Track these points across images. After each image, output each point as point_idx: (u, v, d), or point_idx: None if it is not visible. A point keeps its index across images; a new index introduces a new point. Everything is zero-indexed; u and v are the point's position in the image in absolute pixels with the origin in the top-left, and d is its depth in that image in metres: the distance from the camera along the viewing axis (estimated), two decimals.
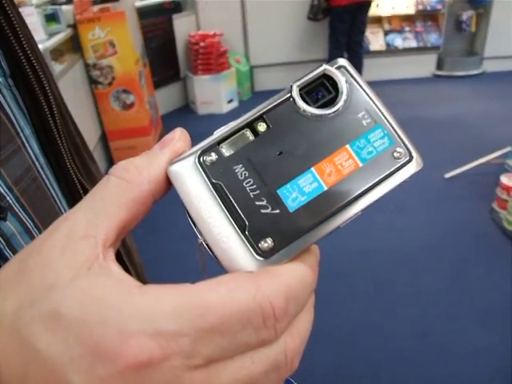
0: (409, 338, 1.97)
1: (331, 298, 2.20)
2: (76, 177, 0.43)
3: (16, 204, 0.36)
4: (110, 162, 3.54)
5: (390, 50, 5.23)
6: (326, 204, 0.26)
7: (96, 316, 0.21)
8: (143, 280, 0.61)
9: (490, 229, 2.63)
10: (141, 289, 0.22)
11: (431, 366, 1.84)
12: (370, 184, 0.27)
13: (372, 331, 2.02)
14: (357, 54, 4.78)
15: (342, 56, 4.74)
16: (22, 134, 0.38)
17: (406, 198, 2.97)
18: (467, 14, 5.17)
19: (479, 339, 1.94)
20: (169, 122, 4.23)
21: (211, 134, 0.28)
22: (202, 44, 4.31)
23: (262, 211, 0.26)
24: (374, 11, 4.95)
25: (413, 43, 5.23)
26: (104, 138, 3.48)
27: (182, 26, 4.50)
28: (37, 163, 0.40)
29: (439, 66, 5.38)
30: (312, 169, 0.27)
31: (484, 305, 2.11)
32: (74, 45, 3.23)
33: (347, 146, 0.27)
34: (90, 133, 3.15)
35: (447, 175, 3.15)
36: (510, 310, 2.04)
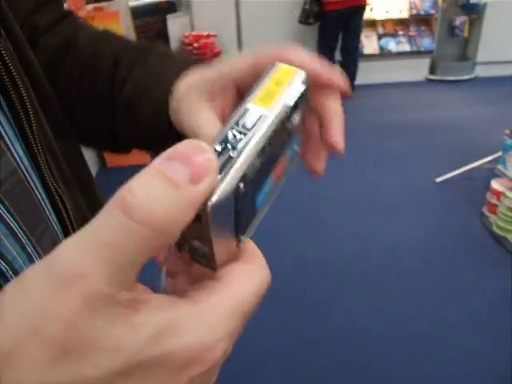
0: (397, 341, 1.97)
1: (319, 300, 2.21)
2: (52, 184, 0.43)
3: (0, 206, 0.36)
4: (103, 163, 3.54)
5: (384, 54, 5.26)
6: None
7: None
8: None
9: (480, 233, 2.65)
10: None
11: (419, 370, 1.85)
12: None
13: (360, 334, 2.03)
14: (352, 59, 4.82)
15: (333, 59, 4.77)
16: (6, 137, 0.38)
17: (397, 201, 2.99)
18: (460, 20, 5.20)
19: (467, 342, 1.95)
20: None
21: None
22: (195, 45, 4.32)
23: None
24: (368, 15, 4.97)
25: (406, 47, 5.26)
26: None
27: (176, 27, 4.50)
28: (22, 166, 0.40)
29: (432, 70, 5.42)
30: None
31: (472, 308, 2.13)
32: None
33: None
34: None
35: (438, 179, 3.16)
36: (498, 314, 2.06)
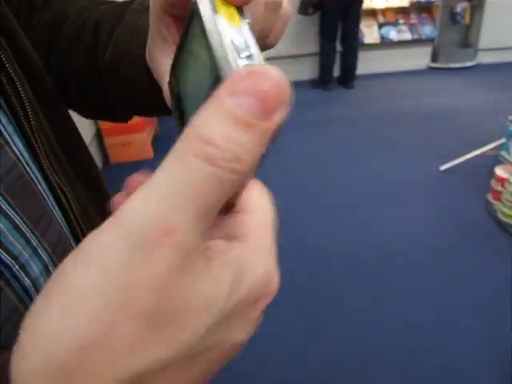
0: (402, 330, 1.98)
1: (324, 286, 2.21)
2: (53, 177, 0.44)
3: (2, 200, 0.36)
4: (106, 159, 3.54)
5: (385, 43, 5.24)
6: None
7: None
8: None
9: (485, 220, 2.64)
10: None
11: (425, 359, 1.85)
12: None
13: (363, 323, 2.03)
14: (352, 48, 4.80)
15: (334, 50, 4.76)
16: (4, 132, 0.38)
17: (402, 189, 2.98)
18: (461, 6, 5.17)
19: (473, 329, 1.95)
20: (163, 118, 4.22)
21: None
22: None
23: None
24: (368, 4, 4.97)
25: (407, 35, 5.24)
26: (99, 135, 3.47)
27: None
28: (22, 160, 0.40)
29: (434, 58, 5.39)
30: None
31: (479, 294, 2.13)
32: None
33: None
34: (84, 130, 3.15)
35: (442, 167, 3.15)
36: (504, 300, 2.06)
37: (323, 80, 4.92)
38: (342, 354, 1.90)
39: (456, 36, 5.45)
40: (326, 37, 4.72)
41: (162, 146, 3.53)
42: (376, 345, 1.93)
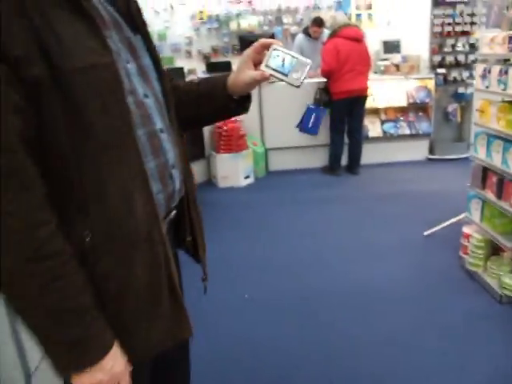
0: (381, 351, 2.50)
1: (321, 323, 2.76)
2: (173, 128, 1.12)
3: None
4: None
5: (387, 137, 6.02)
6: None
7: None
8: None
9: (457, 272, 3.20)
10: None
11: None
12: None
13: (352, 346, 2.55)
14: (356, 140, 5.58)
15: (342, 141, 5.55)
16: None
17: (390, 250, 3.57)
18: (452, 107, 6.00)
19: (443, 351, 2.46)
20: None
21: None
22: (225, 128, 5.15)
23: None
24: (371, 104, 5.81)
25: (406, 131, 6.02)
26: None
27: None
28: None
29: (431, 150, 6.13)
30: None
31: (447, 323, 2.64)
32: None
33: None
34: None
35: (426, 233, 3.76)
36: (467, 328, 2.58)
37: (332, 167, 5.65)
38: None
39: (450, 132, 6.23)
40: (335, 130, 5.53)
41: None
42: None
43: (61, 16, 0.84)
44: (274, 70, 1.08)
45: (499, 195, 2.77)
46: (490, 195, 2.87)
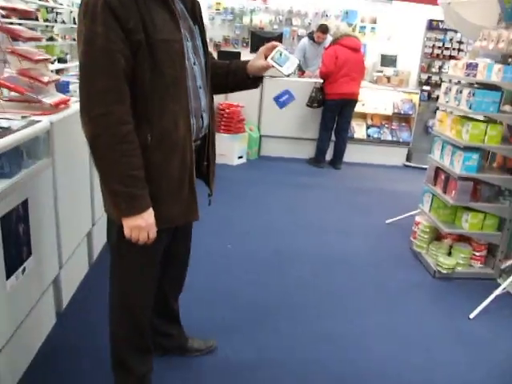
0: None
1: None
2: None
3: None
4: None
5: (370, 140, 6.67)
6: None
7: None
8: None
9: (406, 251, 3.84)
10: None
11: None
12: None
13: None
14: (342, 138, 6.22)
15: (329, 138, 6.18)
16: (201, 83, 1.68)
17: (355, 232, 4.20)
18: (432, 121, 6.64)
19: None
20: None
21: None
22: (227, 111, 5.76)
23: None
24: (360, 108, 6.45)
25: (388, 137, 6.67)
26: None
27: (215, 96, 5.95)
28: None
29: (408, 158, 6.79)
30: None
31: (389, 291, 3.27)
32: None
33: None
34: None
35: (387, 221, 4.41)
36: (406, 295, 3.21)
37: (318, 160, 6.27)
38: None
39: (427, 143, 6.83)
40: (324, 126, 6.16)
41: None
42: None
43: (155, 7, 1.45)
44: (274, 61, 1.71)
45: (444, 190, 3.41)
46: (439, 190, 3.50)
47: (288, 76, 1.73)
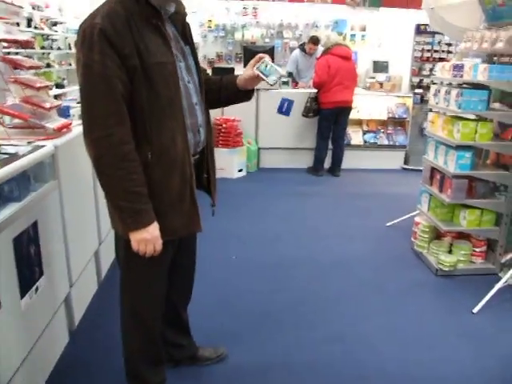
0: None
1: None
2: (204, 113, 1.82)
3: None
4: None
5: (367, 146, 6.76)
6: None
7: None
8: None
9: (407, 252, 3.91)
10: None
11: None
12: None
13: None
14: (340, 146, 6.31)
15: (326, 146, 6.26)
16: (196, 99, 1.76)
17: (356, 235, 4.27)
18: (427, 123, 6.72)
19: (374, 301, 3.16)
20: None
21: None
22: (224, 125, 5.86)
23: None
24: (356, 115, 6.55)
25: (385, 142, 6.76)
26: None
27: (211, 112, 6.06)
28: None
29: (406, 161, 6.87)
30: None
31: (390, 291, 3.33)
32: None
33: None
34: None
35: (388, 224, 4.48)
36: (409, 296, 3.27)
37: (316, 168, 6.34)
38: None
39: (424, 145, 6.95)
40: (321, 135, 6.24)
41: None
42: None
43: (148, 33, 1.55)
44: (260, 72, 1.81)
45: (440, 189, 3.49)
46: (435, 190, 3.58)
47: (272, 85, 1.85)
